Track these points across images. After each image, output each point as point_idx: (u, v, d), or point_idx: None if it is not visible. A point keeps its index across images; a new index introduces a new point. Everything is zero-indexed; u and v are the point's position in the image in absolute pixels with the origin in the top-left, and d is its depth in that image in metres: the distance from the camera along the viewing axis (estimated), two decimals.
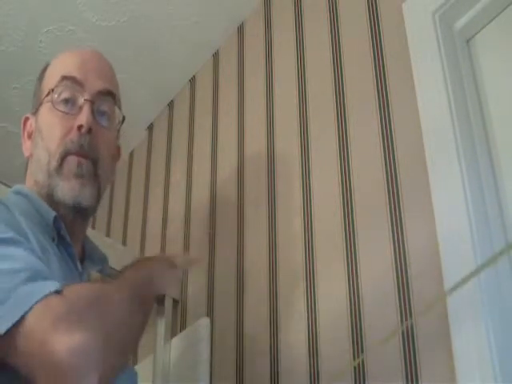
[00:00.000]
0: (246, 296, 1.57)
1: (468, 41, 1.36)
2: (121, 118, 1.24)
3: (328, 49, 1.61)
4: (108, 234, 2.22)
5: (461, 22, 1.35)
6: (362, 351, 1.24)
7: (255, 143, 1.74)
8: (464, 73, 1.31)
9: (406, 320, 1.18)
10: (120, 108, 1.25)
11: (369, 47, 1.49)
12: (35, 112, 1.22)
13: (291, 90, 1.67)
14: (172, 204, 2.00)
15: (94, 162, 1.16)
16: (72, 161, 1.13)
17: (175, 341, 1.69)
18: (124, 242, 2.14)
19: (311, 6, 1.73)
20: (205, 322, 1.63)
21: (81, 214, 1.15)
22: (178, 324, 1.75)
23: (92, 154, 1.15)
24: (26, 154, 1.21)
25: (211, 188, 1.84)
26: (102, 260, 1.24)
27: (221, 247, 1.72)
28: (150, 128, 2.27)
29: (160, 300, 1.74)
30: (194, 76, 2.15)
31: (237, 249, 1.65)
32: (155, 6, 1.95)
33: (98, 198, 1.18)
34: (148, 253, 2.01)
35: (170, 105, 2.22)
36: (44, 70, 1.26)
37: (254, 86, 1.83)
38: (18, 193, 1.16)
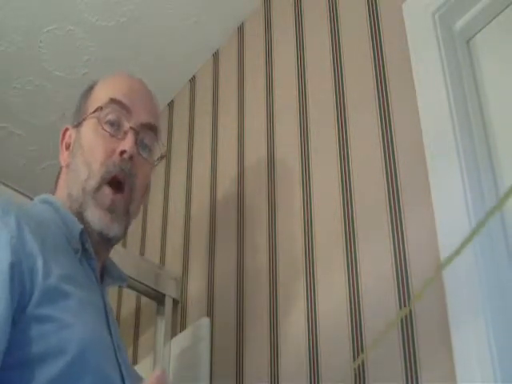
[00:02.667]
0: (246, 296, 1.57)
1: (468, 41, 1.36)
2: (160, 154, 1.27)
3: (328, 49, 1.61)
4: None
5: (461, 22, 1.35)
6: (362, 351, 1.24)
7: (255, 143, 1.74)
8: (464, 73, 1.31)
9: (406, 319, 1.19)
10: (161, 143, 1.28)
11: (369, 47, 1.49)
12: (77, 125, 1.23)
13: (291, 90, 1.67)
14: (172, 205, 2.00)
15: (129, 197, 1.17)
16: (107, 195, 1.15)
17: (175, 341, 1.69)
18: (124, 244, 2.14)
19: (311, 6, 1.73)
20: (205, 321, 1.63)
21: (105, 241, 1.16)
22: (178, 324, 1.75)
23: (130, 182, 1.17)
24: (63, 163, 1.23)
25: (211, 188, 1.84)
26: (122, 279, 1.25)
27: (221, 247, 1.72)
28: None
29: (160, 300, 1.74)
30: (193, 76, 2.15)
31: (237, 249, 1.65)
32: (155, 6, 1.95)
33: (125, 231, 1.19)
34: (148, 254, 2.01)
35: (170, 105, 2.22)
36: (91, 88, 1.28)
37: (253, 86, 1.83)
38: (45, 202, 1.16)
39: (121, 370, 1.02)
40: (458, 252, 0.83)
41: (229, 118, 1.88)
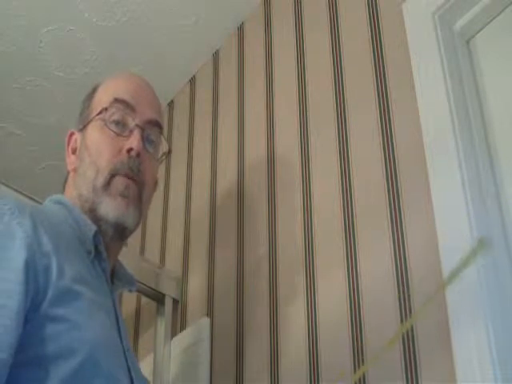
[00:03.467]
0: (246, 296, 1.57)
1: (468, 41, 1.36)
2: (166, 150, 1.28)
3: (328, 49, 1.61)
4: None
5: (461, 22, 1.35)
6: (362, 351, 1.24)
7: (255, 143, 1.74)
8: (464, 73, 1.31)
9: (406, 319, 1.19)
10: (165, 139, 1.28)
11: (369, 47, 1.49)
12: (82, 129, 1.23)
13: (291, 90, 1.67)
14: (172, 204, 2.00)
15: (140, 187, 1.18)
16: (120, 181, 1.15)
17: (175, 341, 1.69)
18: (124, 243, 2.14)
19: (311, 7, 1.73)
20: (205, 321, 1.63)
21: (120, 232, 1.16)
22: (178, 324, 1.75)
23: (139, 179, 1.17)
24: (70, 168, 1.22)
25: (211, 188, 1.84)
26: (131, 283, 1.25)
27: (221, 247, 1.72)
28: None
29: (160, 300, 1.74)
30: (193, 76, 2.15)
31: (237, 249, 1.65)
32: (155, 6, 1.95)
33: (139, 221, 1.19)
34: (148, 254, 2.01)
35: (170, 105, 2.22)
36: (94, 90, 1.28)
37: (253, 86, 1.83)
38: (58, 203, 1.16)
39: (130, 373, 1.03)
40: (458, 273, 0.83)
41: (229, 118, 1.88)
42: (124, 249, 1.87)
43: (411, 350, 1.16)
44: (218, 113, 1.95)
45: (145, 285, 1.70)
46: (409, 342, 1.17)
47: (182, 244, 1.87)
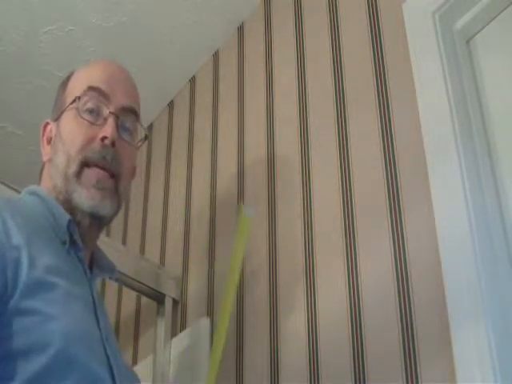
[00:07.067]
0: (246, 296, 1.57)
1: (468, 41, 1.36)
2: (143, 136, 1.25)
3: (328, 49, 1.61)
4: (108, 234, 2.22)
5: (461, 22, 1.35)
6: (362, 351, 1.24)
7: (255, 143, 1.74)
8: (464, 73, 1.31)
9: (406, 318, 1.19)
10: (142, 125, 1.25)
11: (369, 47, 1.49)
12: (57, 118, 1.21)
13: (291, 90, 1.68)
14: (172, 204, 2.00)
15: (116, 178, 1.15)
16: (92, 173, 1.13)
17: (175, 341, 1.69)
18: (124, 242, 2.14)
19: (311, 6, 1.73)
20: (205, 321, 1.63)
21: (97, 221, 1.14)
22: (178, 324, 1.75)
23: (114, 169, 1.15)
24: (45, 158, 1.21)
25: (211, 188, 1.84)
26: (111, 269, 1.23)
27: (221, 247, 1.72)
28: (150, 128, 2.27)
29: (160, 300, 1.74)
30: (193, 76, 2.15)
31: None
32: (155, 6, 1.95)
33: (117, 210, 1.17)
34: (148, 254, 2.01)
35: (170, 105, 2.22)
36: (68, 77, 1.26)
37: (253, 86, 1.83)
38: (33, 193, 1.15)
39: (110, 364, 1.00)
40: None
41: (229, 118, 1.88)
42: (124, 248, 1.87)
43: (411, 349, 1.16)
44: (218, 113, 1.95)
45: (145, 285, 1.70)
46: (409, 341, 1.17)
47: (182, 244, 1.87)
